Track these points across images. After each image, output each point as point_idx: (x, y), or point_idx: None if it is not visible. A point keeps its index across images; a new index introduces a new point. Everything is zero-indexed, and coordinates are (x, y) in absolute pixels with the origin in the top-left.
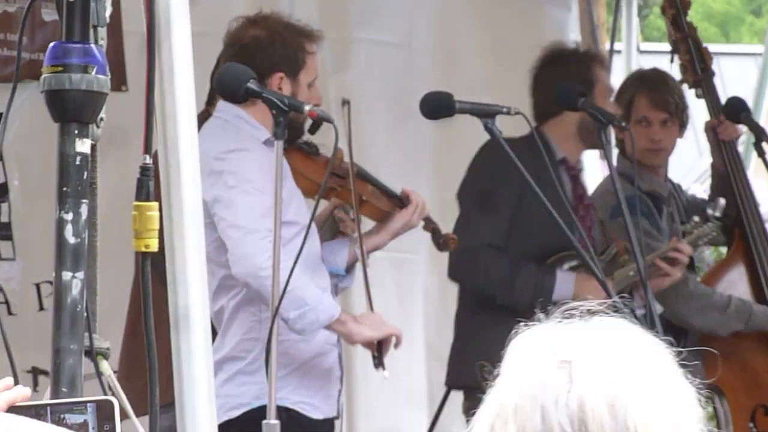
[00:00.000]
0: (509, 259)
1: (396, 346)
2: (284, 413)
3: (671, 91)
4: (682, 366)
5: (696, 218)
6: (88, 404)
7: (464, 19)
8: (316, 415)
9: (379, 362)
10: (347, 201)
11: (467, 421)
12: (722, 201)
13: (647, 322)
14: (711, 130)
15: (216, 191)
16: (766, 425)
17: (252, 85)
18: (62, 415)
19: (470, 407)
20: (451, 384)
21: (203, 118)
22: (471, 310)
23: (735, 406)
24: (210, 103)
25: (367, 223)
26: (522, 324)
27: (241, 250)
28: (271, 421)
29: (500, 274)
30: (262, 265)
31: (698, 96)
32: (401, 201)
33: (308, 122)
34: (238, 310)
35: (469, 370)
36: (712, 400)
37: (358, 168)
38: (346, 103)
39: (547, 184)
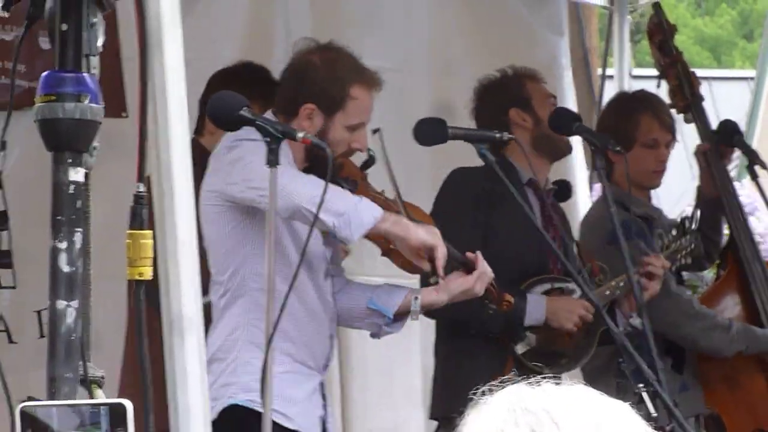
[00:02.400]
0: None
1: (437, 267)
2: (255, 417)
3: (670, 113)
4: (683, 390)
5: (674, 232)
6: (102, 407)
7: (458, 44)
8: (290, 425)
9: (434, 272)
10: (377, 244)
11: None
12: (698, 213)
13: (638, 337)
14: (702, 154)
15: (225, 174)
16: None
17: (245, 112)
18: None
19: None
20: (431, 415)
21: (192, 147)
22: (446, 340)
23: (733, 431)
24: (198, 132)
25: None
26: (484, 386)
27: (262, 182)
28: None
29: (471, 302)
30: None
31: (687, 121)
32: (462, 262)
33: (360, 158)
34: (225, 310)
35: (445, 401)
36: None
37: (409, 215)
38: (376, 131)
39: (516, 208)
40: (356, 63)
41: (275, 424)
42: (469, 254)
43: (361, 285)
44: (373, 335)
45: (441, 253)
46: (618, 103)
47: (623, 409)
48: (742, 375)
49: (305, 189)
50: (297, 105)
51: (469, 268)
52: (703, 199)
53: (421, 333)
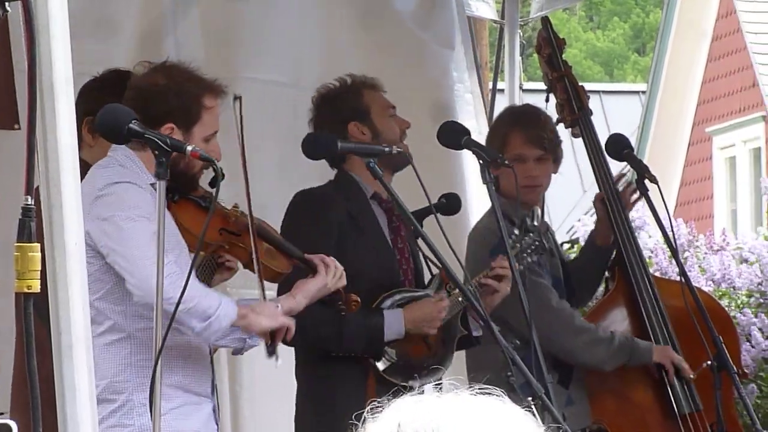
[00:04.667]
0: (334, 311)
1: (287, 337)
2: None
3: (544, 127)
4: (569, 404)
5: (516, 232)
6: None
7: (350, 59)
8: None
9: (272, 350)
10: (238, 257)
11: None
12: (538, 210)
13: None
14: (599, 201)
15: (98, 223)
16: None
17: (134, 125)
18: None
19: None
20: None
21: None
22: (306, 366)
23: None
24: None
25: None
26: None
27: (141, 275)
28: None
29: (328, 328)
30: (167, 290)
31: (575, 135)
32: (308, 265)
33: (208, 176)
34: (107, 350)
35: (308, 426)
36: None
37: (258, 223)
38: (237, 98)
39: (365, 224)
40: (199, 75)
41: None
42: (311, 256)
43: None
44: (236, 352)
45: (291, 329)
46: (496, 119)
47: (513, 414)
48: (629, 387)
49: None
50: (155, 126)
51: (313, 269)
52: (592, 245)
53: None
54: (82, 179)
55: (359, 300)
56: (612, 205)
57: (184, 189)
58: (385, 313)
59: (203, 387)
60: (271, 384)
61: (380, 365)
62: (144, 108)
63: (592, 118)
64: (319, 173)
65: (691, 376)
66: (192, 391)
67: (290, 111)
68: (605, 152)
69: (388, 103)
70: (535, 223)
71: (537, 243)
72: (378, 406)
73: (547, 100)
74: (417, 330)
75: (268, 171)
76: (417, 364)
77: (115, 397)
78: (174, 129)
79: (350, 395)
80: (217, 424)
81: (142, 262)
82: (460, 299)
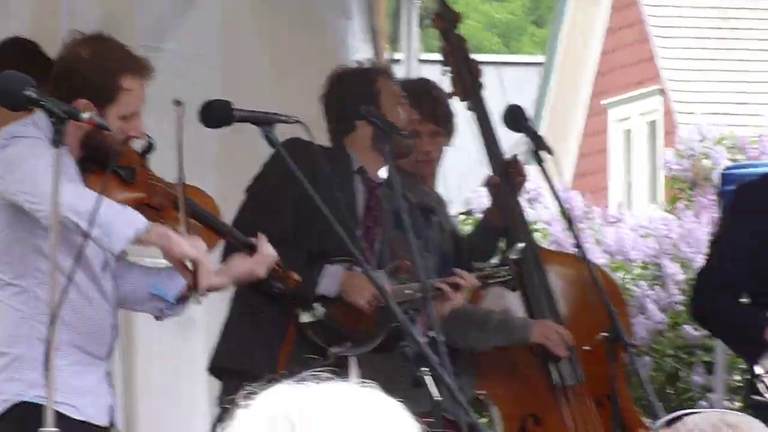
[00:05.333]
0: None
1: (202, 282)
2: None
3: (436, 101)
4: (456, 375)
5: (495, 261)
6: None
7: (249, 30)
8: (78, 416)
9: (195, 290)
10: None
11: (222, 409)
12: (520, 245)
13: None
14: (492, 186)
15: (15, 169)
16: None
17: (30, 92)
18: None
19: (227, 393)
20: (207, 367)
21: None
22: (238, 296)
23: (505, 416)
24: None
25: None
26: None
27: (40, 191)
28: (51, 430)
29: None
30: (74, 201)
31: (469, 108)
32: (248, 246)
33: (139, 145)
34: (6, 302)
35: (221, 355)
36: (487, 410)
37: (188, 196)
38: (179, 103)
39: (344, 192)
40: (126, 53)
41: (64, 417)
42: (253, 239)
43: (143, 268)
44: (157, 318)
45: (204, 268)
46: None
47: (384, 409)
48: (513, 358)
49: (71, 199)
50: (69, 100)
51: (252, 250)
52: (485, 224)
53: (204, 316)
54: None
55: (299, 279)
56: (500, 177)
57: (102, 160)
58: (325, 266)
59: (98, 349)
60: (163, 351)
61: (304, 318)
62: (65, 77)
63: (490, 89)
64: (218, 142)
65: (565, 353)
66: (86, 351)
67: (187, 80)
68: (504, 123)
69: (399, 92)
70: (515, 257)
71: (508, 278)
72: (251, 393)
73: (443, 73)
74: (350, 294)
75: (166, 138)
76: (342, 333)
77: (8, 351)
78: (87, 104)
79: (267, 339)
80: (112, 388)
81: (43, 181)
82: (407, 292)
